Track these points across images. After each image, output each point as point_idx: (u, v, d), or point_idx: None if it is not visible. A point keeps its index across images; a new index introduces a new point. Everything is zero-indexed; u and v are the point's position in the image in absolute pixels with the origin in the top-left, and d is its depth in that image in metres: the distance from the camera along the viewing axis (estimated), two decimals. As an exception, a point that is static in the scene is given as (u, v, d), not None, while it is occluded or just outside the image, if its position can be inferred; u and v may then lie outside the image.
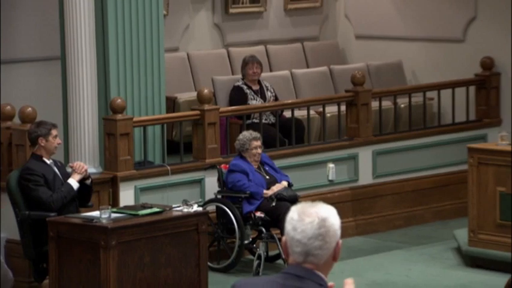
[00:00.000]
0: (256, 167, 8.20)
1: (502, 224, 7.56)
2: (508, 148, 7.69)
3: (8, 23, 8.94)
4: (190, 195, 7.95)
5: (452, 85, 9.82)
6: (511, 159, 7.28)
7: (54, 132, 7.19)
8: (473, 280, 7.30)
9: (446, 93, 9.85)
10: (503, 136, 7.98)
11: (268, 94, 9.35)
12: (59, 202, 7.09)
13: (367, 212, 9.22)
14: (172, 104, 9.31)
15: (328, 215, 3.01)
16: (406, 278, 7.46)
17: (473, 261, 7.75)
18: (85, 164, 7.43)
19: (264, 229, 8.04)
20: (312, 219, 2.97)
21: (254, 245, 8.16)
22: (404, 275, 7.55)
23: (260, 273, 7.93)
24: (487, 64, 9.89)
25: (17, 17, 9.00)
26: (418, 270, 7.68)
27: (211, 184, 8.32)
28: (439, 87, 9.84)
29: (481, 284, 6.97)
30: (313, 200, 9.24)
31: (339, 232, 3.00)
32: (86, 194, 7.35)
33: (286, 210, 7.90)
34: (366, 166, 9.29)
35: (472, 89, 9.94)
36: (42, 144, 7.15)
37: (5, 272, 3.70)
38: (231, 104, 9.17)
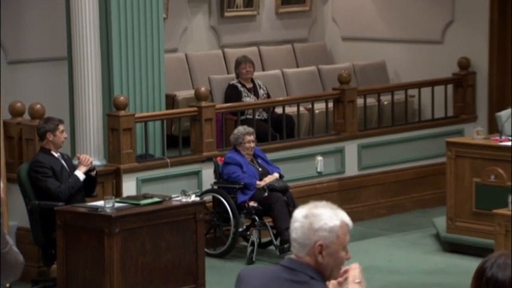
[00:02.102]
0: (249, 159, 8.19)
1: (477, 212, 7.57)
2: (483, 142, 7.70)
3: (18, 26, 8.92)
4: (188, 186, 7.94)
5: (432, 83, 9.82)
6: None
7: (61, 127, 7.19)
8: (450, 264, 7.32)
9: (426, 91, 9.86)
10: (479, 131, 7.99)
11: (261, 92, 9.34)
12: (66, 192, 7.09)
13: (353, 202, 9.23)
14: (171, 101, 9.30)
15: (320, 215, 2.89)
16: (389, 263, 7.47)
17: (450, 247, 7.76)
18: (90, 157, 7.44)
19: (257, 218, 8.05)
20: (303, 212, 2.92)
21: (248, 233, 8.16)
22: (387, 259, 7.56)
23: (253, 259, 7.94)
24: (464, 64, 9.89)
25: (26, 20, 8.98)
26: (400, 255, 7.69)
27: (208, 176, 8.32)
28: (419, 85, 9.84)
29: (458, 268, 6.99)
30: (302, 191, 9.21)
31: (322, 234, 2.87)
32: (91, 184, 7.35)
33: (278, 200, 7.95)
34: (352, 159, 9.29)
35: (450, 87, 9.94)
36: (50, 138, 7.15)
37: (16, 255, 3.69)
38: (226, 101, 9.16)
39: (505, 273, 2.59)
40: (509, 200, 6.15)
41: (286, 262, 2.93)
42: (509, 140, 7.56)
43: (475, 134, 7.93)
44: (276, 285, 2.87)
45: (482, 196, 7.52)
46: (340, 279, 2.82)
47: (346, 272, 2.84)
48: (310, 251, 2.88)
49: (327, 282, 2.83)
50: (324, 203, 2.93)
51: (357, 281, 2.80)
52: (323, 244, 2.87)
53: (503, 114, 7.88)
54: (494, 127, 8.66)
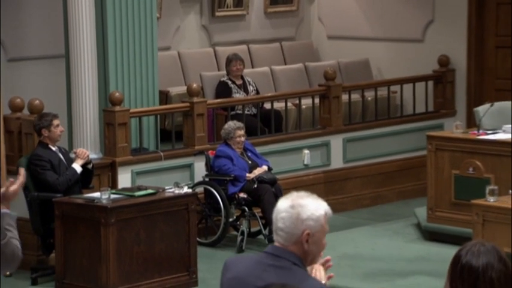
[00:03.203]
0: (239, 153, 8.19)
1: (456, 203, 7.59)
2: (462, 136, 7.72)
3: (18, 25, 8.89)
4: (181, 178, 7.94)
5: (413, 80, 9.84)
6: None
7: (55, 122, 7.18)
8: (430, 252, 7.34)
9: (407, 88, 9.87)
10: (458, 125, 8.01)
11: (250, 88, 9.34)
12: (64, 184, 7.09)
13: (338, 193, 9.24)
14: (165, 97, 9.29)
15: (307, 205, 2.91)
16: (372, 251, 7.49)
17: (431, 236, 7.78)
18: (87, 151, 7.43)
19: (246, 208, 8.05)
20: (288, 203, 2.93)
21: (238, 223, 8.17)
22: (371, 248, 7.57)
23: (243, 248, 7.94)
24: (444, 61, 9.91)
25: (26, 19, 8.95)
26: (383, 244, 7.71)
27: (200, 168, 8.32)
28: (401, 82, 9.85)
29: (437, 255, 7.01)
30: (290, 182, 9.21)
31: (309, 223, 2.89)
32: (87, 177, 7.35)
33: (266, 192, 7.96)
34: (337, 152, 9.30)
35: (430, 83, 9.96)
36: (46, 134, 7.15)
37: (14, 248, 3.67)
38: (217, 97, 9.16)
39: (478, 260, 2.60)
40: (487, 191, 6.17)
41: (270, 249, 2.95)
42: (486, 134, 7.58)
43: (454, 128, 7.95)
44: (259, 269, 2.90)
45: (461, 187, 7.54)
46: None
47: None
48: (297, 240, 2.90)
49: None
50: (305, 193, 2.95)
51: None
52: (310, 233, 2.89)
53: (481, 109, 7.90)
54: (472, 122, 8.69)
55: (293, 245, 2.90)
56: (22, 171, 3.62)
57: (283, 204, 2.93)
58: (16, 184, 3.54)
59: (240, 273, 2.95)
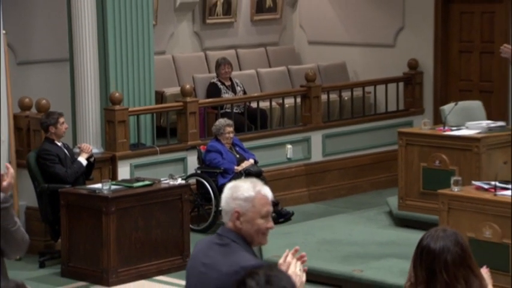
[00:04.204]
0: (228, 147, 8.20)
1: (424, 192, 7.61)
2: (429, 132, 7.74)
3: (27, 32, 8.86)
4: (175, 171, 7.93)
5: (385, 82, 9.86)
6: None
7: (61, 120, 7.18)
8: (401, 237, 7.36)
9: (380, 88, 9.89)
10: (426, 122, 8.03)
11: (238, 89, 9.34)
12: (72, 176, 7.10)
13: (318, 184, 9.26)
14: (160, 97, 9.27)
15: (240, 187, 2.91)
16: (349, 236, 7.50)
17: (401, 222, 7.80)
18: (90, 145, 7.43)
19: (234, 197, 8.05)
20: (230, 185, 2.96)
21: (227, 210, 8.17)
22: (348, 233, 7.59)
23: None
24: (413, 65, 9.94)
25: (34, 26, 8.91)
26: (358, 230, 7.73)
27: (192, 162, 8.31)
28: (375, 83, 9.88)
29: (407, 240, 7.02)
30: (274, 174, 9.18)
31: (238, 202, 2.87)
32: (89, 169, 7.34)
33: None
34: (317, 147, 9.32)
35: (401, 84, 9.99)
36: (53, 131, 7.14)
37: (23, 234, 3.69)
38: (208, 97, 9.15)
39: (436, 243, 2.61)
40: (451, 181, 6.20)
41: (219, 229, 2.99)
42: (451, 130, 7.61)
43: (422, 125, 7.97)
44: (207, 248, 2.94)
45: (429, 178, 7.56)
46: (289, 260, 2.77)
47: (301, 257, 2.80)
48: (231, 218, 2.91)
49: (281, 261, 2.78)
50: (251, 179, 2.96)
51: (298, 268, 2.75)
52: (239, 211, 2.88)
53: (447, 107, 7.93)
54: (438, 119, 8.72)
55: (230, 222, 2.92)
56: (9, 165, 3.65)
57: (227, 185, 2.98)
58: (9, 177, 3.55)
59: (195, 251, 3.01)
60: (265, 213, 2.91)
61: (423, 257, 2.58)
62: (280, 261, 2.79)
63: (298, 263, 2.78)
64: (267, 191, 2.93)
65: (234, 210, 2.89)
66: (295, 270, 2.74)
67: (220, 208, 8.93)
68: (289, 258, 2.77)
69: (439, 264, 2.54)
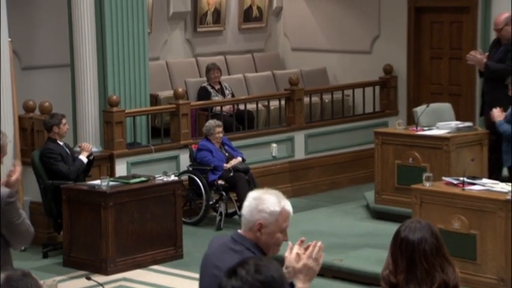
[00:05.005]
0: (218, 146, 8.19)
1: (398, 187, 7.63)
2: (403, 131, 7.77)
3: (31, 39, 8.83)
4: (168, 168, 7.93)
5: (363, 85, 9.89)
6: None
7: (63, 121, 7.18)
8: (377, 228, 7.38)
9: (358, 91, 9.92)
10: (400, 123, 8.05)
11: (227, 92, 9.33)
12: (74, 173, 7.09)
13: (301, 180, 9.27)
14: (155, 99, 9.25)
15: (266, 200, 2.80)
16: (329, 228, 7.52)
17: (377, 215, 7.82)
18: (90, 144, 7.41)
19: (224, 193, 8.06)
20: (254, 195, 2.84)
21: (217, 205, 8.17)
22: (328, 225, 7.60)
23: (221, 226, 7.95)
24: (388, 70, 9.97)
25: (37, 34, 8.88)
26: (338, 222, 7.74)
27: (185, 159, 8.30)
28: (353, 86, 9.90)
29: (383, 231, 7.04)
30: (261, 171, 9.16)
31: (263, 215, 2.76)
32: (88, 167, 7.33)
33: (241, 179, 7.96)
34: (300, 145, 9.33)
35: (377, 88, 10.02)
36: (56, 131, 7.12)
37: (28, 226, 3.68)
38: (198, 100, 9.14)
39: (414, 235, 2.63)
40: (424, 177, 6.22)
41: (234, 235, 2.89)
42: (423, 130, 7.64)
43: (396, 125, 8.00)
44: (221, 251, 2.84)
45: (403, 174, 7.59)
46: (299, 251, 2.67)
47: (308, 247, 2.70)
48: (252, 228, 2.81)
49: (287, 254, 2.70)
50: (274, 191, 2.85)
51: (314, 256, 2.66)
52: (262, 223, 2.79)
53: (419, 109, 7.96)
54: (411, 120, 8.74)
55: (249, 231, 2.82)
56: (17, 162, 3.66)
57: (251, 195, 2.86)
58: (17, 173, 3.55)
59: (210, 251, 2.91)
60: (285, 228, 2.83)
61: (403, 248, 2.59)
62: (286, 254, 2.69)
63: (310, 252, 2.65)
64: (289, 207, 2.84)
65: (257, 222, 2.78)
66: (307, 262, 2.63)
67: (211, 202, 8.84)
68: (295, 249, 2.67)
69: (419, 254, 2.56)
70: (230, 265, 2.28)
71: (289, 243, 2.74)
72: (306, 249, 2.68)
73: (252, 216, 2.81)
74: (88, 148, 7.24)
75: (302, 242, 2.73)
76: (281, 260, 2.57)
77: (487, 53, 7.52)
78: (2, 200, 3.49)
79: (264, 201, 2.80)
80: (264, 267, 2.06)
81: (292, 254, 2.66)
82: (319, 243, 2.70)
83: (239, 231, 2.88)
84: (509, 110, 6.79)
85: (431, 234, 2.61)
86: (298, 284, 2.64)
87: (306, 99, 9.45)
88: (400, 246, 2.60)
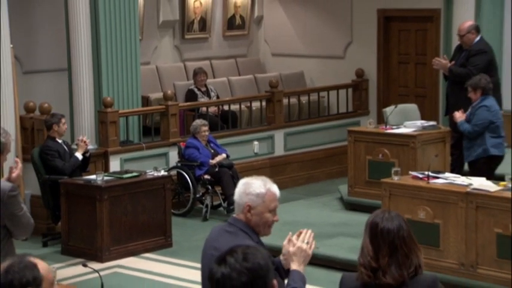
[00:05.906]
0: (204, 144, 8.19)
1: (370, 181, 7.66)
2: (374, 130, 7.80)
3: (31, 44, 8.77)
4: (159, 164, 7.91)
5: (337, 87, 9.93)
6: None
7: (63, 120, 7.15)
8: (350, 219, 7.41)
9: (333, 93, 9.95)
10: (370, 122, 8.08)
11: (212, 94, 9.33)
12: (69, 169, 7.05)
13: (280, 174, 9.29)
14: (146, 101, 9.23)
15: (253, 184, 2.87)
16: (306, 218, 7.54)
17: (351, 206, 7.85)
18: (87, 138, 7.42)
19: (210, 187, 8.05)
20: (244, 181, 2.91)
21: (203, 198, 8.17)
22: (305, 216, 7.62)
23: (207, 217, 7.95)
24: (360, 73, 10.01)
25: (37, 40, 8.83)
26: (315, 213, 7.77)
27: (174, 156, 8.29)
28: (328, 89, 9.93)
29: (355, 221, 7.08)
30: (243, 167, 9.15)
31: (251, 197, 2.84)
32: (85, 163, 7.30)
33: (225, 174, 7.97)
34: (280, 143, 9.35)
35: (350, 90, 10.06)
36: (56, 129, 7.09)
37: (28, 218, 3.67)
38: (186, 101, 9.13)
39: (393, 223, 2.68)
40: (392, 172, 6.25)
41: (230, 219, 2.95)
42: (392, 129, 7.68)
43: (368, 124, 8.03)
44: (218, 234, 2.91)
45: (373, 169, 7.62)
46: (291, 238, 2.79)
47: (300, 233, 2.81)
48: (243, 210, 2.88)
49: (284, 243, 2.80)
50: (262, 177, 2.92)
51: (306, 242, 2.78)
52: (251, 205, 2.86)
53: (388, 109, 8.00)
54: (381, 119, 8.79)
55: (241, 214, 2.89)
56: (18, 159, 3.66)
57: (241, 181, 2.93)
58: (18, 169, 3.54)
59: (209, 237, 2.97)
60: (273, 208, 2.88)
61: (384, 236, 2.65)
62: (285, 242, 2.80)
63: (302, 237, 2.81)
64: (275, 189, 2.90)
65: (246, 204, 2.85)
66: (301, 245, 2.78)
67: (198, 195, 8.84)
68: (293, 239, 2.81)
69: (399, 240, 2.64)
70: (225, 245, 2.35)
71: (289, 233, 2.83)
72: (299, 236, 2.84)
73: (241, 199, 2.87)
74: (86, 142, 7.23)
75: (300, 234, 2.84)
76: (279, 250, 2.69)
77: (453, 62, 7.56)
78: (5, 193, 3.48)
79: (251, 185, 2.87)
80: (251, 255, 2.08)
81: (286, 240, 2.79)
82: (309, 231, 2.83)
83: (234, 215, 2.93)
84: (469, 110, 6.84)
85: (404, 223, 2.69)
86: (293, 265, 2.77)
87: (285, 101, 9.47)
88: (381, 235, 2.65)
